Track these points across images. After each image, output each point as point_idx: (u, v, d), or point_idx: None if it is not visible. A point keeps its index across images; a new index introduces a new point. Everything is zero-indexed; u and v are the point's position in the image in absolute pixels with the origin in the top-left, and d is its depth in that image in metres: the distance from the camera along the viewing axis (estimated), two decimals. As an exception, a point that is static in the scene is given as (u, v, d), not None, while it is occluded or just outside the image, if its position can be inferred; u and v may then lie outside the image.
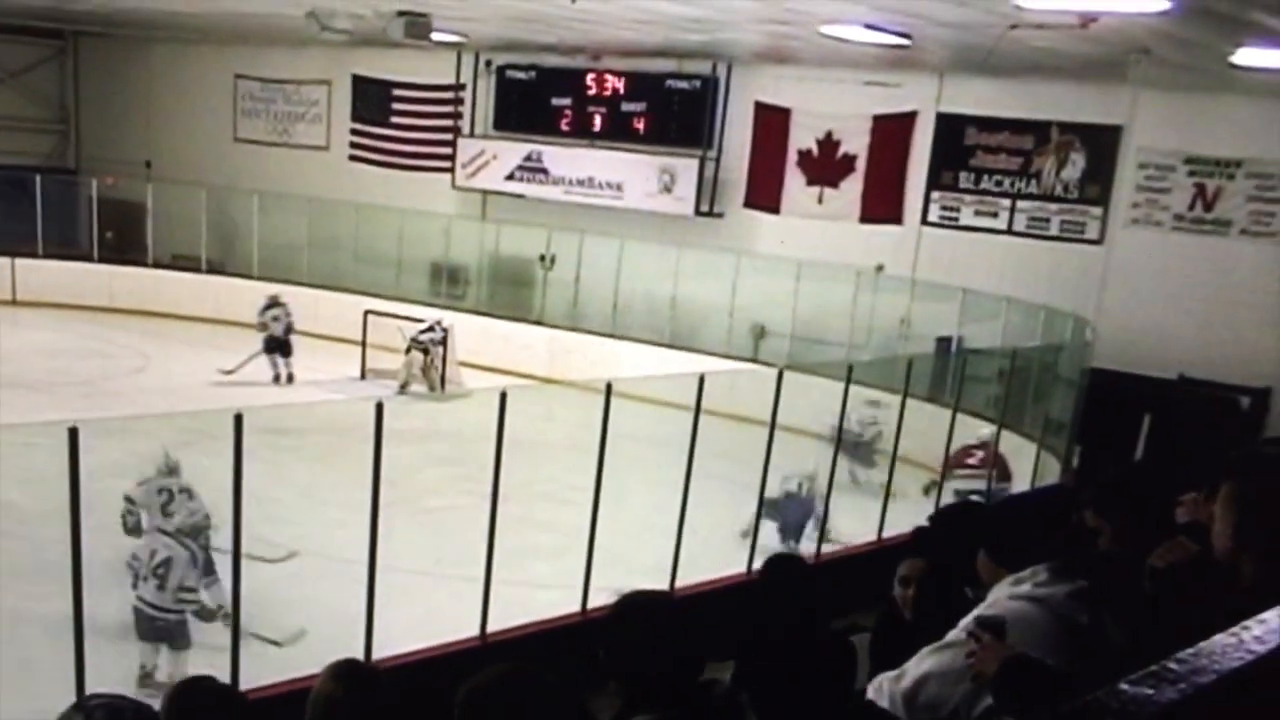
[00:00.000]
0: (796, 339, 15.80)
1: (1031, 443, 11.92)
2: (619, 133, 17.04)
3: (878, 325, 15.29)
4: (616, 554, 7.49)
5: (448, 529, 9.11)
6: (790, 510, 9.76)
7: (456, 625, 7.14)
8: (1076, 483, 10.52)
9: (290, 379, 15.33)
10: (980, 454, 11.05)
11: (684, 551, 7.76)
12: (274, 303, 15.55)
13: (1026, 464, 11.36)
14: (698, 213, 16.56)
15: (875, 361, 13.58)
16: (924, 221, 15.62)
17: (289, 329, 15.52)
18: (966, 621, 2.88)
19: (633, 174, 16.86)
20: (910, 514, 7.16)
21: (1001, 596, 2.91)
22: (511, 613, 7.30)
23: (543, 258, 17.70)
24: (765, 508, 9.10)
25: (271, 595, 7.99)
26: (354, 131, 20.12)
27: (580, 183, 17.26)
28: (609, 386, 7.11)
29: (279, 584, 8.36)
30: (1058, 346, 12.93)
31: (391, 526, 6.33)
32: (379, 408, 5.95)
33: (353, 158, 20.06)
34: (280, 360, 15.38)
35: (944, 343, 14.42)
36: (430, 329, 15.55)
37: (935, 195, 15.59)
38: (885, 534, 9.20)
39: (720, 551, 8.83)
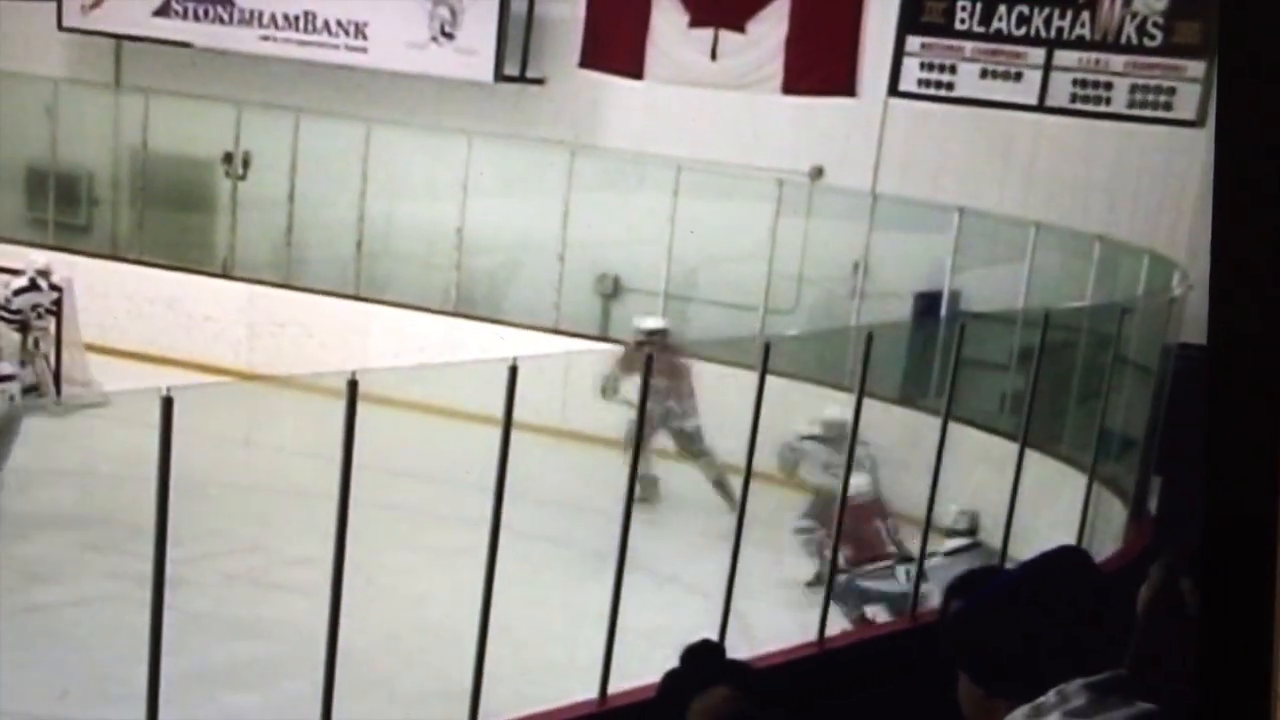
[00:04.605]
0: (674, 298, 13.05)
1: (1077, 471, 9.55)
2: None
3: (814, 273, 12.64)
4: (376, 670, 6.82)
5: (74, 639, 7.97)
6: None
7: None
8: (1155, 539, 9.03)
9: None
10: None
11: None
12: None
13: (1067, 508, 9.16)
14: (500, 77, 13.42)
15: (810, 335, 11.79)
16: (894, 91, 12.43)
17: None
18: None
19: (385, 9, 13.41)
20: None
21: None
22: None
23: (229, 158, 14.25)
24: None
25: None
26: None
27: (292, 22, 13.78)
28: (353, 384, 5.60)
29: None
30: (1124, 306, 10.31)
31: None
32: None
33: None
34: None
35: (927, 302, 12.19)
36: (31, 287, 12.41)
37: (913, 44, 12.29)
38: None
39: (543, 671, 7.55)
